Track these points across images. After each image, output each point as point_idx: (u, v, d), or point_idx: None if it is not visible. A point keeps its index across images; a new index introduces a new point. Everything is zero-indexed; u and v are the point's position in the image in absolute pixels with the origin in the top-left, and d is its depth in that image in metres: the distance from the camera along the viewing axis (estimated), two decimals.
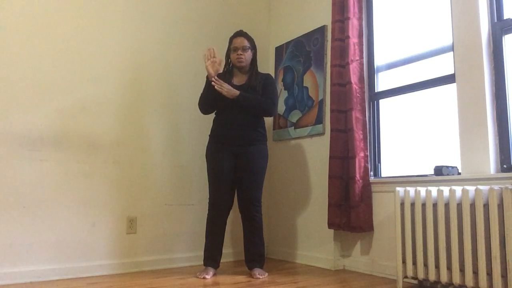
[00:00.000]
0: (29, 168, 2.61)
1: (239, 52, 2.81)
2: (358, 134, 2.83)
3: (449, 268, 2.17)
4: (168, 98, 3.19)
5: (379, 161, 2.95)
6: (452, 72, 2.53)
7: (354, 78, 2.89)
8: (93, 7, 2.92)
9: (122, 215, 2.91)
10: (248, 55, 2.84)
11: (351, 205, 2.80)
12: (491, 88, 2.34)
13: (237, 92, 2.70)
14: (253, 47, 2.88)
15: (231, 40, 2.88)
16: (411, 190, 2.36)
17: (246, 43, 2.82)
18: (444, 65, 2.62)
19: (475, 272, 2.06)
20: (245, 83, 2.82)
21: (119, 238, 2.88)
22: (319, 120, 3.19)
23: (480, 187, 2.06)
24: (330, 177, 2.88)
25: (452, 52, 2.53)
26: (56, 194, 2.68)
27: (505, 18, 2.35)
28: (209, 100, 2.81)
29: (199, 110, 2.91)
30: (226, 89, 2.68)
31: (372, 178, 2.86)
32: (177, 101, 3.23)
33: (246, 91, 2.77)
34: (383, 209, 2.79)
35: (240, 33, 2.87)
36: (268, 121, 3.57)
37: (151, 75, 3.13)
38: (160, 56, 3.19)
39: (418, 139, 2.75)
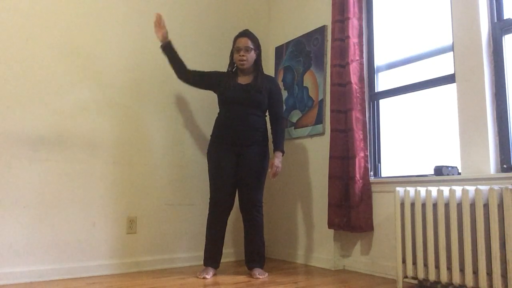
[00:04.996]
0: (29, 168, 2.61)
1: (242, 53, 2.79)
2: (358, 134, 2.83)
3: (449, 268, 2.17)
4: (168, 98, 3.19)
5: (379, 161, 2.95)
6: (452, 72, 2.53)
7: (354, 78, 2.89)
8: (93, 7, 2.92)
9: (122, 215, 2.91)
10: (251, 56, 2.82)
11: (351, 205, 2.80)
12: (491, 88, 2.34)
13: (280, 153, 2.78)
14: (257, 48, 2.86)
15: (235, 40, 2.86)
16: (411, 190, 2.36)
17: (249, 43, 2.81)
18: (444, 65, 2.62)
19: (475, 272, 2.06)
20: (251, 83, 2.81)
21: (119, 238, 2.88)
22: (319, 120, 3.19)
23: (480, 187, 2.06)
24: (330, 177, 2.88)
25: (452, 52, 2.53)
26: (56, 194, 2.68)
27: (505, 18, 2.35)
28: (176, 65, 2.91)
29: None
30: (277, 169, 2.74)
31: (372, 178, 2.86)
32: (177, 101, 3.23)
33: (251, 91, 2.77)
34: (383, 209, 2.79)
35: (244, 33, 2.85)
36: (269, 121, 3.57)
37: (151, 75, 3.13)
38: (160, 55, 3.18)
39: (418, 139, 2.75)
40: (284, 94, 3.53)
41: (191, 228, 3.20)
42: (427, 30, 2.76)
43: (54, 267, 2.62)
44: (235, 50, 2.84)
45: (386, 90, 2.94)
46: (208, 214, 2.80)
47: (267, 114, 2.93)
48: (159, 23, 2.82)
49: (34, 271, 2.56)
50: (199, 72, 2.93)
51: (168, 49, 2.87)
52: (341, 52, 2.97)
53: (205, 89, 2.96)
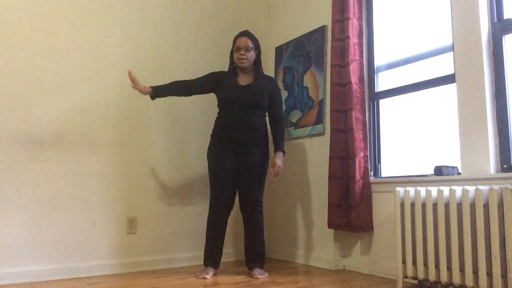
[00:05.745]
0: (29, 168, 2.61)
1: (242, 52, 2.80)
2: (358, 134, 2.83)
3: (449, 268, 2.17)
4: (168, 97, 3.18)
5: (379, 161, 2.95)
6: (452, 72, 2.53)
7: (354, 78, 2.89)
8: (93, 7, 2.92)
9: (122, 215, 2.91)
10: (251, 55, 2.83)
11: (351, 205, 2.80)
12: (491, 88, 2.34)
13: (281, 153, 2.81)
14: (257, 48, 2.87)
15: (235, 39, 2.87)
16: (411, 190, 2.36)
17: (249, 43, 2.82)
18: (444, 65, 2.62)
19: (475, 272, 2.06)
20: (252, 84, 2.81)
21: (119, 238, 2.88)
22: (319, 120, 3.19)
23: (480, 187, 2.06)
24: (330, 177, 2.88)
25: (452, 52, 2.53)
26: (56, 194, 2.68)
27: (505, 18, 2.35)
28: (177, 93, 2.85)
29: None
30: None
31: (372, 178, 2.86)
32: (177, 101, 3.23)
33: (252, 92, 2.77)
34: (383, 209, 2.79)
35: (244, 33, 2.86)
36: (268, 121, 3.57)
37: (151, 75, 3.13)
38: (160, 56, 3.19)
39: (418, 139, 2.75)
40: (284, 94, 3.53)
41: (191, 228, 3.20)
42: (427, 30, 2.76)
43: (54, 267, 2.62)
44: (235, 49, 2.84)
45: (386, 90, 2.94)
46: (208, 214, 2.80)
47: (266, 114, 2.93)
48: (134, 81, 2.66)
49: (34, 271, 2.56)
50: (196, 82, 2.87)
51: (158, 93, 2.77)
52: (341, 52, 2.97)
53: (208, 93, 2.95)
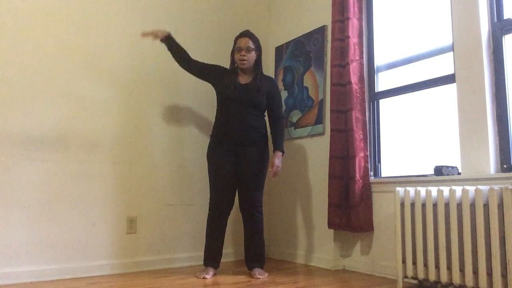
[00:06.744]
0: (29, 168, 2.61)
1: (243, 52, 2.80)
2: (358, 134, 2.83)
3: (449, 268, 2.17)
4: (168, 98, 3.19)
5: (379, 161, 2.95)
6: (452, 72, 2.53)
7: (354, 78, 2.89)
8: (93, 7, 2.92)
9: (122, 215, 2.91)
10: (252, 56, 2.83)
11: (351, 205, 2.80)
12: (491, 88, 2.34)
13: (280, 153, 2.79)
14: (258, 48, 2.87)
15: (236, 40, 2.87)
16: (411, 190, 2.36)
17: (250, 44, 2.81)
18: (444, 65, 2.62)
19: (475, 272, 2.06)
20: (250, 83, 2.81)
21: (119, 238, 2.88)
22: (319, 120, 3.19)
23: (480, 187, 2.06)
24: (330, 177, 2.88)
25: (452, 52, 2.53)
26: (56, 194, 2.68)
27: (505, 18, 2.35)
28: (177, 55, 2.89)
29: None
30: None
31: (372, 178, 2.86)
32: (177, 101, 3.23)
33: (250, 90, 2.77)
34: (383, 209, 2.79)
35: (245, 34, 2.85)
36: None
37: (151, 75, 3.13)
38: (160, 56, 3.18)
39: (418, 139, 2.75)
40: (284, 94, 3.53)
41: (191, 228, 3.20)
42: (427, 30, 2.76)
43: (54, 267, 2.62)
44: (236, 49, 2.84)
45: (386, 90, 2.94)
46: (208, 214, 2.80)
47: (265, 114, 2.93)
48: (155, 34, 2.81)
49: (34, 271, 2.56)
50: (200, 65, 2.90)
51: (169, 43, 2.85)
52: (341, 52, 2.97)
53: (203, 80, 2.96)
